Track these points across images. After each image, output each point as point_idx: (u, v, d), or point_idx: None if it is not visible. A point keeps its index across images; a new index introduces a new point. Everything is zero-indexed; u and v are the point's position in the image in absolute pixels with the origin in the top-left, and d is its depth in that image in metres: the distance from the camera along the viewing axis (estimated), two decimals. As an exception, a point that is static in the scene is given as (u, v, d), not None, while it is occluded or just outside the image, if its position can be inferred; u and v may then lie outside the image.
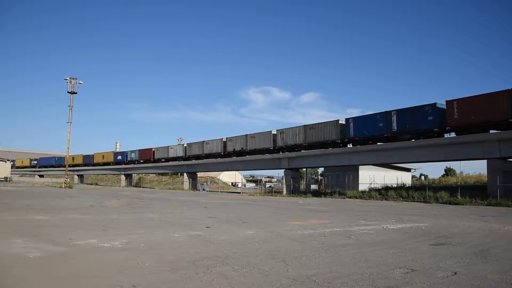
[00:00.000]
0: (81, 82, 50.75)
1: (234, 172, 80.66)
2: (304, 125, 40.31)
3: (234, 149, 48.98)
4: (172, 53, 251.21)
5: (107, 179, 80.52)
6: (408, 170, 49.33)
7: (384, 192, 33.63)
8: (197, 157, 55.36)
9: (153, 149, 63.93)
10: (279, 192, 45.45)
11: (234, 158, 49.44)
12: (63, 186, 49.29)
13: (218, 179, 76.46)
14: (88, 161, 79.50)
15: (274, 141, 43.20)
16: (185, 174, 58.92)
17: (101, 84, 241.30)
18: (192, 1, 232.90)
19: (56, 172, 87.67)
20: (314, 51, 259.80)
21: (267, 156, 44.77)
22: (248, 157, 47.25)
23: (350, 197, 34.73)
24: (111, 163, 73.15)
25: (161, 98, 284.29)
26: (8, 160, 77.28)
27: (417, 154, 31.71)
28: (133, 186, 71.36)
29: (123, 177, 72.49)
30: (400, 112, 31.27)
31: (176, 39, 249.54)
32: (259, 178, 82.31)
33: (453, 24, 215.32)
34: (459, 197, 27.19)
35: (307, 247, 8.08)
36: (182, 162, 58.40)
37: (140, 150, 66.91)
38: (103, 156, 75.97)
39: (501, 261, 6.85)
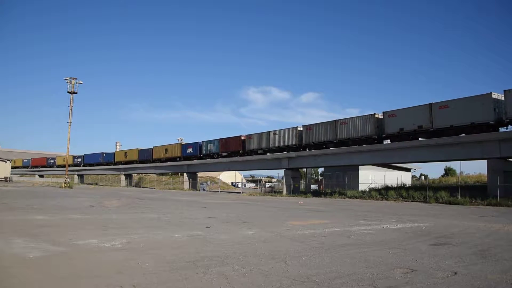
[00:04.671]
0: (81, 82, 50.96)
1: (234, 172, 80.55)
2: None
3: (401, 129, 31.58)
4: (172, 53, 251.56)
5: (107, 179, 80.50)
6: (408, 170, 49.34)
7: (384, 192, 33.62)
8: (318, 145, 39.45)
9: (243, 137, 47.79)
10: (279, 192, 45.43)
11: (234, 158, 49.35)
12: (63, 186, 49.38)
13: (218, 179, 76.37)
14: (145, 157, 64.05)
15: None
16: (185, 174, 58.82)
17: (101, 84, 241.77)
18: (192, 1, 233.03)
19: (56, 172, 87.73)
20: (314, 51, 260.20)
21: (267, 156, 44.69)
22: (248, 157, 47.12)
23: (350, 197, 34.73)
24: (178, 158, 57.82)
25: (161, 98, 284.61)
26: (9, 160, 77.37)
27: (417, 154, 31.64)
28: (133, 186, 71.37)
29: (123, 177, 72.57)
30: None
31: (176, 39, 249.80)
32: (259, 178, 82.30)
33: (453, 24, 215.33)
34: (459, 197, 27.18)
35: (307, 247, 8.08)
36: (181, 162, 58.34)
37: (221, 139, 50.71)
38: (165, 149, 59.88)
39: (501, 261, 6.85)
